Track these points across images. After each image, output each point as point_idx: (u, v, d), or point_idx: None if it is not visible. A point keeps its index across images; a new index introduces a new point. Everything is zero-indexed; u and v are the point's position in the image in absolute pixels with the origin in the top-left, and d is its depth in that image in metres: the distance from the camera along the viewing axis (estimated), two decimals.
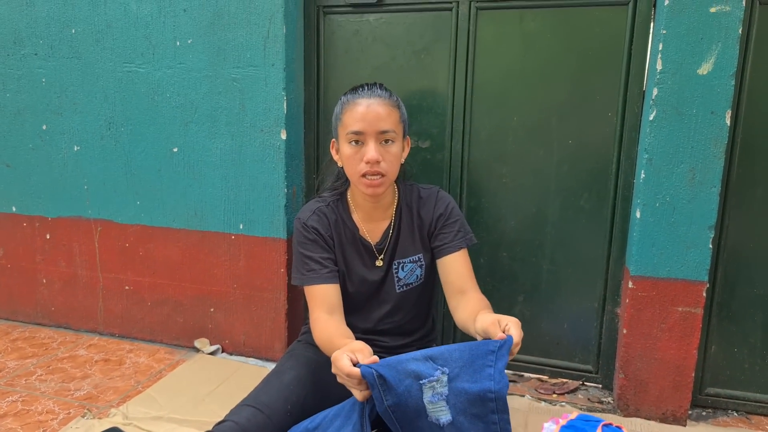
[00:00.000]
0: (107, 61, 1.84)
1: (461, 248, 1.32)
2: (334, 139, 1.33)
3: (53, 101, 1.92)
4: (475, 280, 1.32)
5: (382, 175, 1.24)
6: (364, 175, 1.24)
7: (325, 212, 1.34)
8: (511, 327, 1.02)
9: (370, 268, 1.35)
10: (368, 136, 1.22)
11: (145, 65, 1.80)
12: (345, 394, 1.06)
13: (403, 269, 1.36)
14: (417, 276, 1.37)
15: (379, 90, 1.27)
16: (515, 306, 1.73)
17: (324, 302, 1.27)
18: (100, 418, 1.47)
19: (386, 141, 1.24)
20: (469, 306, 1.23)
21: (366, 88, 1.28)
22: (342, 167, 1.32)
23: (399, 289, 1.36)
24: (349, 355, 0.99)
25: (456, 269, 1.31)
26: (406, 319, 1.38)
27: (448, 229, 1.33)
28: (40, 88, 1.92)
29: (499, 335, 1.02)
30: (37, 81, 1.92)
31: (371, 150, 1.21)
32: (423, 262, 1.36)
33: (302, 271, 1.31)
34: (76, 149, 1.93)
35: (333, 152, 1.35)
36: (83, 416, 1.48)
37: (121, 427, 1.41)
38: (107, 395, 1.62)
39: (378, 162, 1.22)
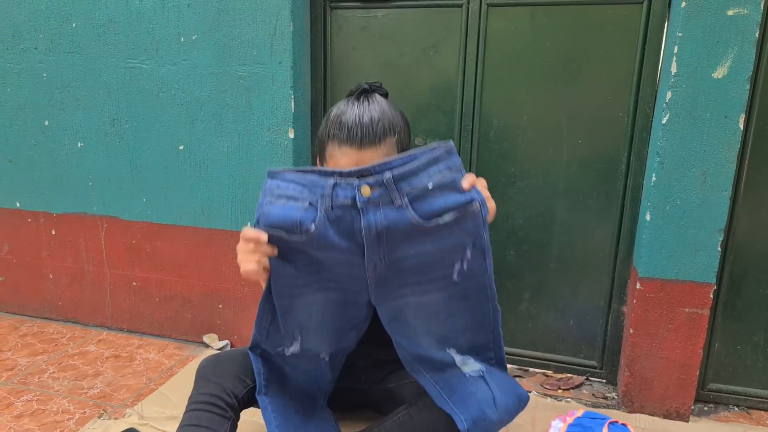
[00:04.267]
0: (110, 57, 1.80)
1: None
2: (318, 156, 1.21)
3: (55, 97, 1.89)
4: None
5: None
6: None
7: None
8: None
9: None
10: None
11: (149, 61, 1.77)
12: None
13: None
14: None
15: (371, 127, 1.09)
16: (522, 303, 1.75)
17: None
18: (116, 419, 1.49)
19: None
20: None
21: (349, 131, 1.09)
22: None
23: None
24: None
25: None
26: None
27: None
28: (41, 83, 1.89)
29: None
30: (38, 76, 1.89)
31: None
32: None
33: None
34: (79, 145, 1.91)
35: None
36: (99, 417, 1.50)
37: (138, 427, 1.43)
38: (120, 393, 1.64)
39: None
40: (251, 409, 1.25)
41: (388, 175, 1.00)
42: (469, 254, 1.06)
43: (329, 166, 1.14)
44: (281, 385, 1.21)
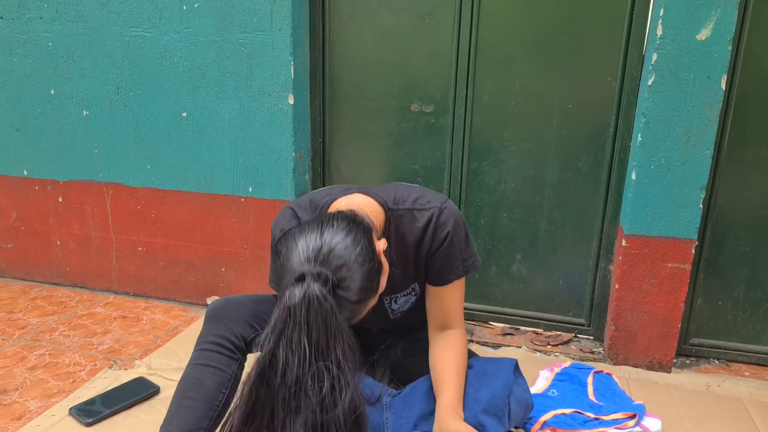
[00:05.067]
0: (113, 26, 1.85)
1: (454, 280, 1.16)
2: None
3: (60, 66, 1.94)
4: (462, 314, 1.21)
5: None
6: None
7: None
8: None
9: None
10: None
11: (152, 29, 1.82)
12: None
13: (395, 302, 1.23)
14: (412, 303, 1.25)
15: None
16: (513, 264, 1.82)
17: None
18: (126, 369, 1.57)
19: None
20: (444, 356, 1.16)
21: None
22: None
23: (393, 316, 1.26)
24: None
25: (441, 304, 1.18)
26: (405, 326, 1.34)
27: (444, 261, 1.14)
28: (47, 52, 1.94)
29: None
30: (43, 45, 1.93)
31: None
32: (417, 290, 1.22)
33: (277, 280, 1.13)
34: (85, 114, 1.96)
35: None
36: (110, 367, 1.58)
37: (147, 377, 1.51)
38: (129, 349, 1.72)
39: None
40: None
41: None
42: None
43: None
44: None
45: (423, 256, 1.15)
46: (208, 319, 1.19)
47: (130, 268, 2.09)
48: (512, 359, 1.24)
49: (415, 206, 1.13)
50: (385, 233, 1.11)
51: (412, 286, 1.21)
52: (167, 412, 1.10)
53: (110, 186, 2.02)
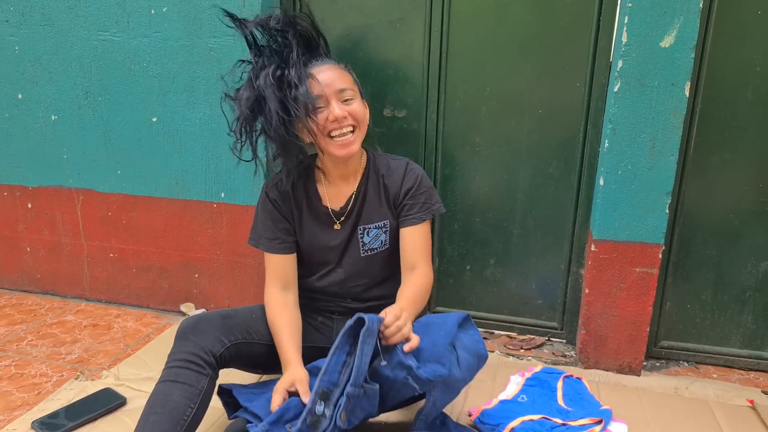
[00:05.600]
0: (81, 30, 1.82)
1: (423, 221, 1.35)
2: (298, 122, 1.28)
3: (28, 70, 1.90)
4: (429, 255, 1.37)
5: (352, 131, 1.27)
6: (332, 136, 1.26)
7: (286, 183, 1.36)
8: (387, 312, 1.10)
9: (330, 235, 1.38)
10: (330, 97, 1.25)
11: (120, 33, 1.79)
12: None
13: (368, 234, 1.38)
14: (382, 241, 1.38)
15: (326, 57, 1.32)
16: (487, 268, 1.83)
17: (278, 275, 1.35)
18: (92, 380, 1.55)
19: (346, 100, 1.27)
20: (406, 286, 1.31)
21: (319, 58, 1.32)
22: (310, 142, 1.31)
23: (363, 253, 1.38)
24: (287, 388, 1.14)
25: (410, 243, 1.34)
26: (373, 283, 1.41)
27: (413, 201, 1.35)
28: (14, 56, 1.90)
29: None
30: (9, 49, 1.90)
31: (335, 108, 1.24)
32: (388, 228, 1.38)
33: (258, 236, 1.38)
34: (53, 118, 1.93)
35: (303, 137, 1.30)
36: (76, 378, 1.55)
37: (114, 388, 1.49)
38: (98, 358, 1.69)
39: (345, 117, 1.25)
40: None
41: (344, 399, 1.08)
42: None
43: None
44: None
45: (396, 195, 1.36)
46: (177, 338, 1.21)
47: (101, 275, 2.06)
48: (462, 313, 1.28)
49: (389, 156, 1.42)
50: (365, 172, 1.37)
51: (384, 221, 1.37)
52: (134, 430, 1.09)
53: (80, 192, 1.99)
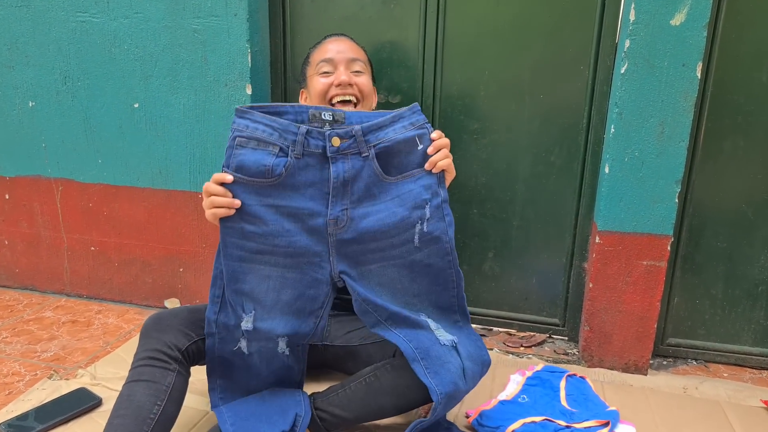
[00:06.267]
0: (59, 10, 1.73)
1: None
2: (303, 89, 1.31)
3: (3, 54, 1.81)
4: None
5: (355, 104, 1.25)
6: (333, 104, 1.23)
7: None
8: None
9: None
10: (338, 63, 1.24)
11: (99, 14, 1.70)
12: None
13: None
14: None
15: (342, 34, 1.33)
16: (485, 262, 1.74)
17: None
18: (67, 379, 1.46)
19: (355, 71, 1.25)
20: None
21: (331, 34, 1.33)
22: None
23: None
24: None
25: None
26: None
27: None
28: None
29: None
30: None
31: (342, 73, 1.23)
32: None
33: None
34: (31, 105, 1.84)
35: (302, 101, 1.32)
36: (50, 377, 1.47)
37: (89, 388, 1.40)
38: (75, 356, 1.60)
39: (350, 84, 1.23)
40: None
41: (357, 127, 1.06)
42: (428, 213, 1.11)
43: (316, 67, 1.28)
44: (238, 389, 1.19)
45: None
46: (141, 337, 1.15)
47: (82, 269, 1.97)
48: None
49: None
50: None
51: None
52: None
53: (60, 182, 1.90)
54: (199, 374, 1.21)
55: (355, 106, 1.27)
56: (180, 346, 1.12)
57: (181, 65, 1.68)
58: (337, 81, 1.21)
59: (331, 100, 1.23)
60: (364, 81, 1.25)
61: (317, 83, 1.24)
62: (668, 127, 1.38)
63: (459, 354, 1.10)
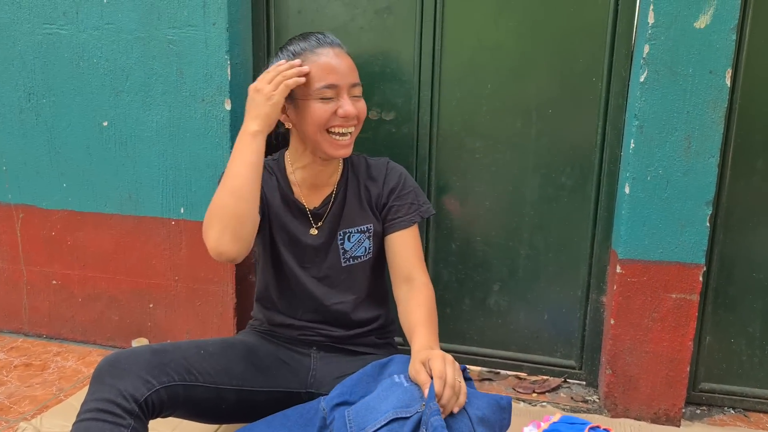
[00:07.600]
0: (24, 22, 1.60)
1: (413, 223, 1.18)
2: (289, 105, 1.12)
3: None
4: (423, 262, 1.19)
5: (351, 134, 1.12)
6: (331, 132, 1.09)
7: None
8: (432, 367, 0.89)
9: (304, 235, 1.19)
10: (342, 90, 1.09)
11: (67, 26, 1.57)
12: None
13: (349, 240, 1.19)
14: (365, 248, 1.20)
15: (332, 38, 1.13)
16: (490, 296, 1.56)
17: None
18: None
19: (356, 96, 1.11)
20: (411, 306, 1.11)
21: (319, 37, 1.12)
22: (292, 128, 1.15)
23: (345, 262, 1.19)
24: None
25: (402, 250, 1.17)
26: (358, 301, 1.20)
27: (400, 202, 1.18)
28: None
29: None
30: None
31: (348, 104, 1.08)
32: (371, 233, 1.19)
33: None
34: None
35: (283, 116, 1.14)
36: None
37: None
38: (21, 406, 1.40)
39: (355, 116, 1.10)
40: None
41: None
42: None
43: (316, 92, 1.07)
44: None
45: (378, 196, 1.19)
46: (92, 383, 0.96)
47: (42, 306, 1.77)
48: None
49: (366, 156, 1.25)
50: (344, 172, 1.20)
51: (368, 225, 1.20)
52: None
53: (20, 208, 1.73)
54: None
55: (351, 133, 1.13)
56: (137, 397, 0.93)
57: (155, 79, 1.53)
58: (343, 113, 1.08)
59: (330, 128, 1.10)
60: (364, 107, 1.14)
61: (318, 110, 1.08)
62: (696, 141, 1.23)
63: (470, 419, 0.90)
